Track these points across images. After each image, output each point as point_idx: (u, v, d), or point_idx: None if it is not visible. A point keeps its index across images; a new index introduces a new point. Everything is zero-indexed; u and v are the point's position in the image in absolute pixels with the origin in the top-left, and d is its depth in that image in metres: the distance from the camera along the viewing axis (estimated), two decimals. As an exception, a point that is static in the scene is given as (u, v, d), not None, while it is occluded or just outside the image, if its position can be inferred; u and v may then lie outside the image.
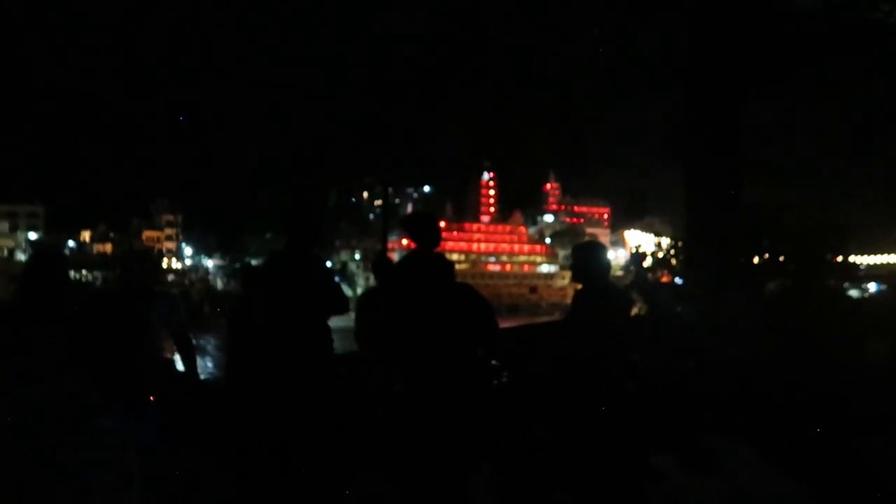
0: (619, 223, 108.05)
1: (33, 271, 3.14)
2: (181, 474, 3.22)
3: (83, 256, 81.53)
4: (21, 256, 79.08)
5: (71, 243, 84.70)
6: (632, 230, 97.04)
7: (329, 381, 3.54)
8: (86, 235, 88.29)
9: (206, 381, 3.86)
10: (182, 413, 3.41)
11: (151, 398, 3.28)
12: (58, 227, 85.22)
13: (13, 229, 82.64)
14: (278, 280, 3.58)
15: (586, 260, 3.94)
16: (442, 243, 4.05)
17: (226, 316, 3.78)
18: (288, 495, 3.20)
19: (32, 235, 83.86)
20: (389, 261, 4.08)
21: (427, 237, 3.82)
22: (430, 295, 3.77)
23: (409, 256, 3.85)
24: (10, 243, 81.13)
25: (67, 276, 3.24)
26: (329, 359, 3.60)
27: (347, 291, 3.94)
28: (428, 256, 3.93)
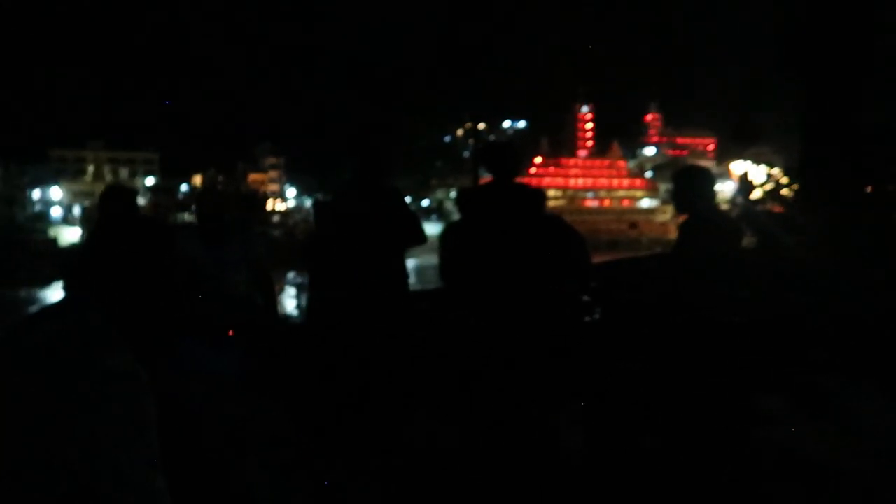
0: (725, 154, 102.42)
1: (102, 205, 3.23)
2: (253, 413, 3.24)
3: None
4: (141, 201, 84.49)
5: (184, 187, 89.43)
6: (739, 161, 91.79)
7: (402, 317, 3.41)
8: (197, 179, 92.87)
9: (287, 316, 3.84)
10: (261, 348, 3.40)
11: (230, 332, 3.29)
12: (172, 172, 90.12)
13: (132, 175, 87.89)
14: (346, 211, 3.44)
15: (689, 186, 3.59)
16: (538, 179, 3.83)
17: (305, 253, 3.71)
18: (352, 431, 3.14)
19: (150, 181, 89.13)
20: (474, 192, 3.89)
21: (504, 167, 3.59)
22: (515, 226, 3.57)
23: (488, 187, 3.64)
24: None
25: (131, 209, 3.28)
26: (403, 293, 3.47)
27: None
28: (513, 186, 3.72)
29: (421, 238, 3.60)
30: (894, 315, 4.40)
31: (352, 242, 3.39)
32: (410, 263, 3.78)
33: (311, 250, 3.52)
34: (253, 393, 3.23)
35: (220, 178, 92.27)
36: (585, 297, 4.16)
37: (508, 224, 3.59)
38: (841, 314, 4.45)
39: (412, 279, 3.84)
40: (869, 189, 5.66)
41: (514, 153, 3.72)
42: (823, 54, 5.36)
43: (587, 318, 4.17)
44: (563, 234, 3.73)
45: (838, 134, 5.30)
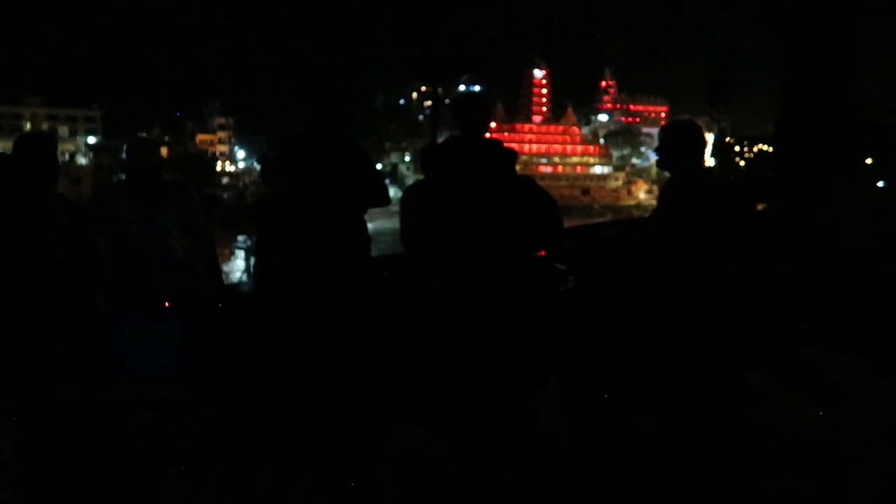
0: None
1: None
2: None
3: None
4: (82, 160, 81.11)
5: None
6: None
7: (365, 287, 3.03)
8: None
9: (230, 284, 3.45)
10: (202, 319, 3.01)
11: (167, 304, 2.90)
12: (115, 132, 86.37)
13: (72, 134, 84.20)
14: (301, 165, 3.03)
15: (677, 141, 3.30)
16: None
17: (253, 214, 3.29)
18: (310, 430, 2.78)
19: (91, 139, 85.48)
20: (441, 149, 3.54)
21: (477, 120, 3.26)
22: (486, 187, 3.24)
23: (457, 143, 3.28)
24: (71, 147, 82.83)
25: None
26: (365, 260, 3.10)
27: (398, 194, 3.41)
28: (484, 143, 3.39)
29: (384, 198, 3.23)
30: (873, 284, 4.27)
31: (306, 201, 2.99)
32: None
33: (260, 211, 3.12)
34: (184, 383, 2.86)
35: (167, 137, 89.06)
36: (559, 265, 3.89)
37: (479, 185, 3.27)
38: (818, 283, 4.30)
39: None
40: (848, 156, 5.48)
41: (488, 106, 3.39)
42: (803, 11, 5.11)
43: (562, 288, 3.91)
44: (536, 197, 3.44)
45: (818, 96, 5.08)
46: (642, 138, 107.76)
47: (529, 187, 3.50)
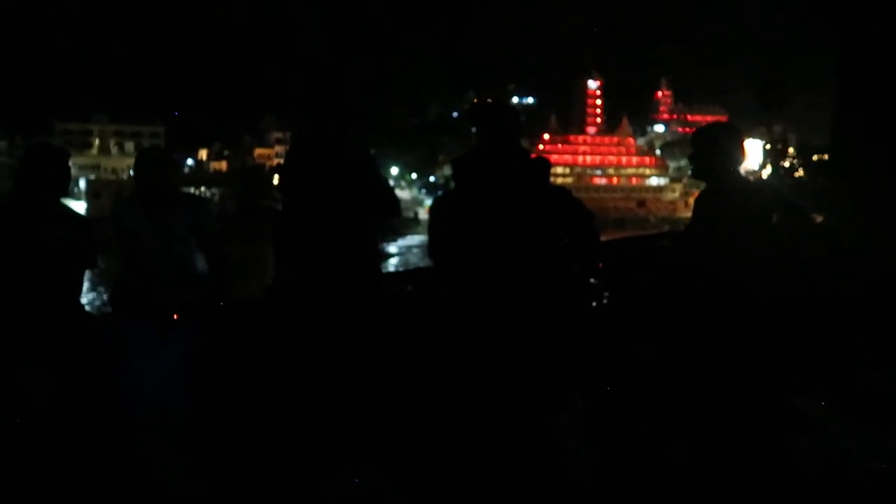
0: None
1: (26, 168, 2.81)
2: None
3: (201, 173, 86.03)
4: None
5: (189, 161, 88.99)
6: (751, 139, 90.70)
7: (369, 305, 2.90)
8: (203, 154, 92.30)
9: (242, 298, 3.38)
10: (209, 333, 2.94)
11: (175, 316, 2.84)
12: (177, 146, 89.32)
13: (138, 149, 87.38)
14: (299, 173, 2.90)
15: (712, 147, 3.07)
16: (546, 156, 3.34)
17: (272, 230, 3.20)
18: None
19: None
20: (467, 158, 3.40)
21: (497, 128, 3.10)
22: (514, 197, 3.09)
23: (481, 152, 3.13)
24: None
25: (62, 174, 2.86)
26: (371, 275, 2.96)
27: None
28: (511, 153, 3.23)
29: (392, 207, 3.07)
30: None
31: (307, 213, 2.87)
32: (415, 240, 3.28)
33: (274, 223, 3.03)
34: (180, 405, 2.80)
35: (226, 152, 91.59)
36: (593, 280, 3.69)
37: (506, 195, 3.11)
38: (880, 301, 3.98)
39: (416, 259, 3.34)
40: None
41: (509, 113, 3.22)
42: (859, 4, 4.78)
43: (595, 304, 3.72)
44: (569, 209, 3.26)
45: (878, 95, 4.74)
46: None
47: (563, 199, 3.32)
